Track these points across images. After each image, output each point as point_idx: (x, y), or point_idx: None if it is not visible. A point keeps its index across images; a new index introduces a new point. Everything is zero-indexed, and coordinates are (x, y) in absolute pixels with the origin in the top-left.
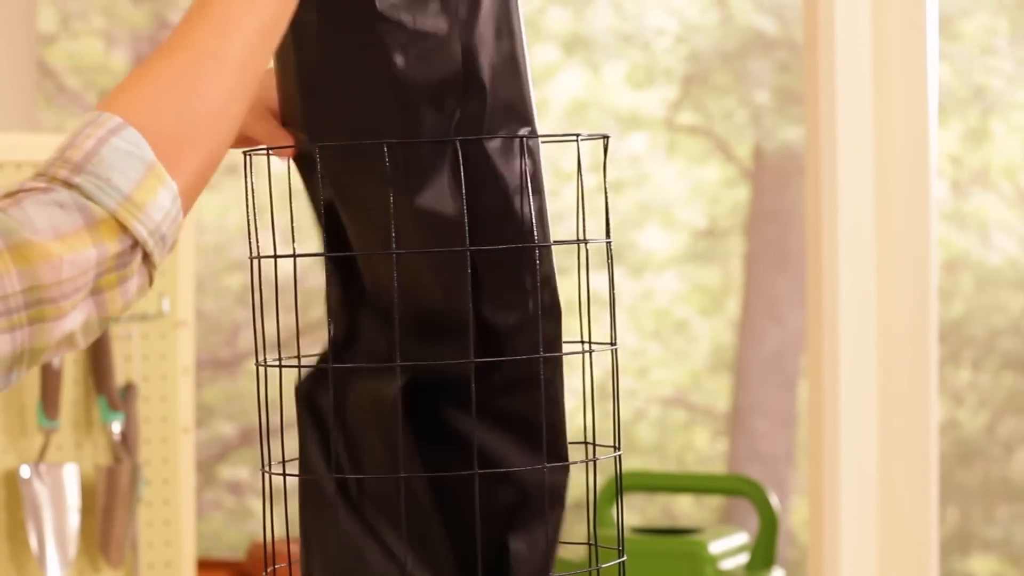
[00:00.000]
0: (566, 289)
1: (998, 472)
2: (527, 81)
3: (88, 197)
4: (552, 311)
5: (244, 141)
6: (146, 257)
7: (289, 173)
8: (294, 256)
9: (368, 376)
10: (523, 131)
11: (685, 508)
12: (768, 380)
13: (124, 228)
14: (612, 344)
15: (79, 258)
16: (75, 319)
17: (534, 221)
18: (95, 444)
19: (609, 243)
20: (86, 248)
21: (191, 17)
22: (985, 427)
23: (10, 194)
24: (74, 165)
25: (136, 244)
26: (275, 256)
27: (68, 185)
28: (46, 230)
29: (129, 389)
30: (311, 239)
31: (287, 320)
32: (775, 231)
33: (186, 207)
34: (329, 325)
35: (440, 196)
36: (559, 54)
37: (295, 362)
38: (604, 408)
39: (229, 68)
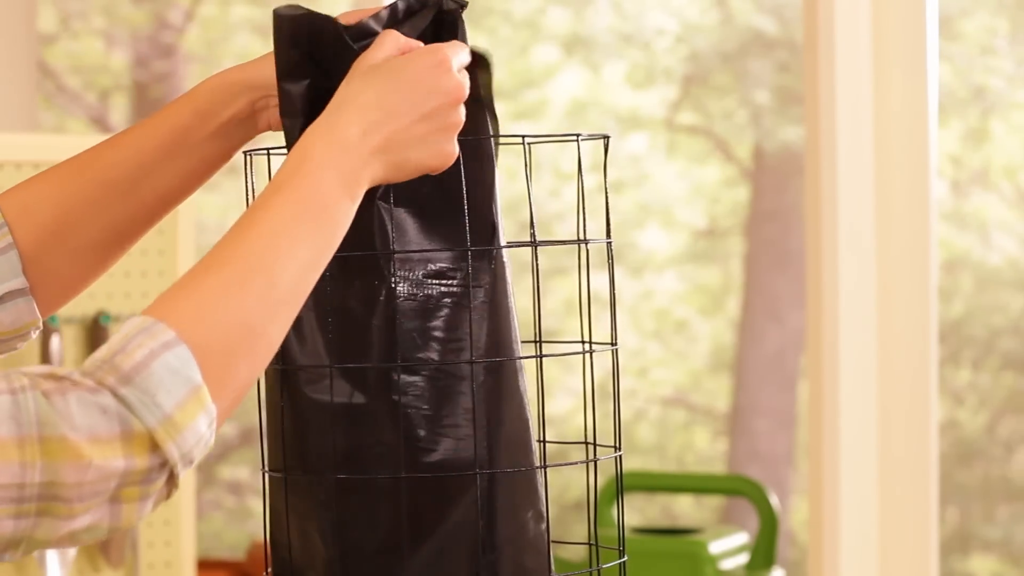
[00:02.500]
0: (566, 289)
1: (998, 472)
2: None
3: (131, 409)
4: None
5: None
6: (171, 477)
7: None
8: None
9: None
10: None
11: (685, 508)
12: (768, 380)
13: (158, 447)
14: (613, 344)
15: (107, 465)
16: (83, 521)
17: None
18: None
19: (609, 243)
20: (116, 457)
21: (242, 229)
22: (985, 427)
23: (57, 378)
24: (123, 375)
25: (166, 463)
26: None
27: (115, 394)
28: (82, 430)
29: None
30: None
31: None
32: (775, 231)
33: (220, 423)
34: (328, 324)
35: None
36: (559, 54)
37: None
38: (604, 408)
39: (277, 289)
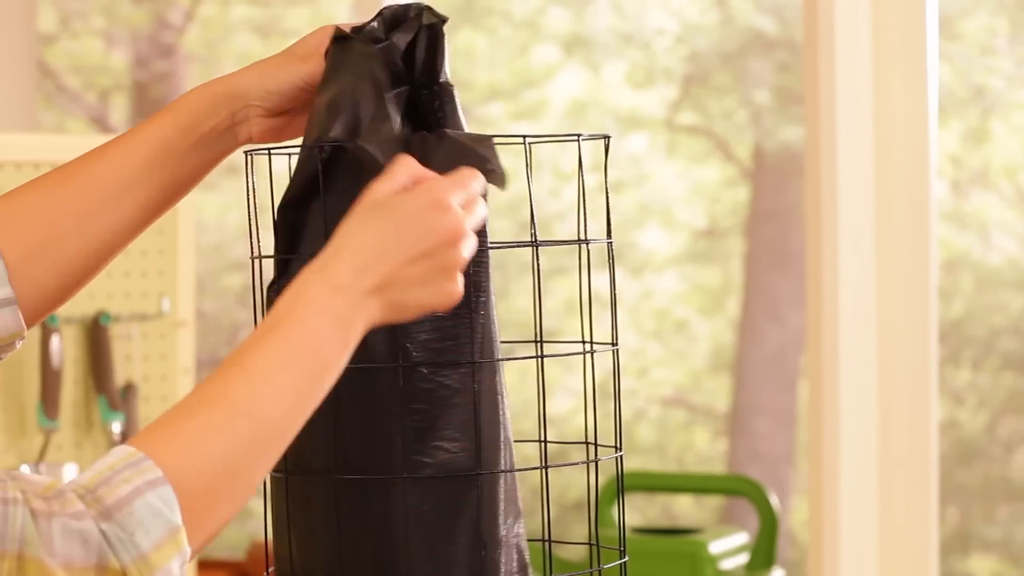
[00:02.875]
0: (567, 289)
1: (998, 472)
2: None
3: (109, 544)
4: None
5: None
6: None
7: (290, 173)
8: (294, 257)
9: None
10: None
11: (685, 508)
12: (768, 380)
13: None
14: (613, 344)
15: None
16: None
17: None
18: (95, 444)
19: (610, 243)
20: None
21: (234, 367)
22: (985, 427)
23: (46, 498)
24: (105, 509)
25: None
26: (276, 256)
27: (96, 525)
28: (60, 556)
29: (129, 389)
30: None
31: None
32: (775, 231)
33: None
34: None
35: None
36: (559, 54)
37: None
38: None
39: (262, 434)
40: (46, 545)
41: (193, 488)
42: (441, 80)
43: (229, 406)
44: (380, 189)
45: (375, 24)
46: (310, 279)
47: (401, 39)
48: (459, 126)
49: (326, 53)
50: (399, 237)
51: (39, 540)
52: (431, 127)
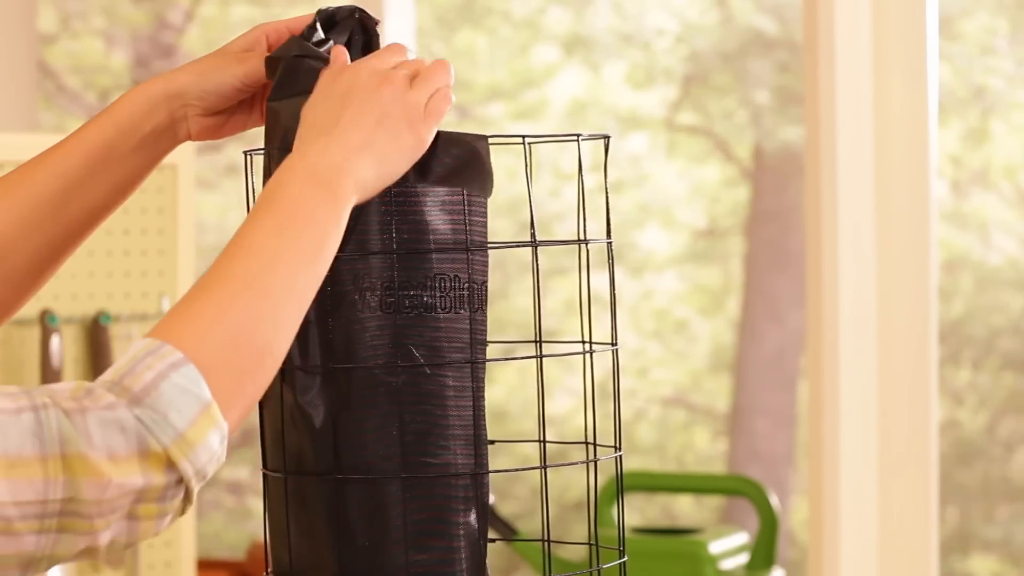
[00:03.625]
0: (567, 289)
1: (998, 472)
2: None
3: (147, 429)
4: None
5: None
6: (186, 493)
7: None
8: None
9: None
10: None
11: (685, 508)
12: (768, 380)
13: (173, 464)
14: (613, 344)
15: (125, 482)
16: (103, 537)
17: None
18: None
19: (610, 243)
20: (134, 474)
21: (228, 251)
22: (985, 427)
23: (76, 397)
24: (133, 396)
25: (181, 480)
26: None
27: (130, 412)
28: (101, 448)
29: None
30: None
31: None
32: (775, 231)
33: (232, 436)
34: (328, 324)
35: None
36: (559, 54)
37: None
38: (604, 408)
39: (273, 301)
40: (86, 440)
41: (215, 363)
42: None
43: (234, 282)
44: (322, 78)
45: (318, 29)
46: (285, 164)
47: (339, 40)
48: None
49: (270, 62)
50: (346, 101)
51: (78, 436)
52: None
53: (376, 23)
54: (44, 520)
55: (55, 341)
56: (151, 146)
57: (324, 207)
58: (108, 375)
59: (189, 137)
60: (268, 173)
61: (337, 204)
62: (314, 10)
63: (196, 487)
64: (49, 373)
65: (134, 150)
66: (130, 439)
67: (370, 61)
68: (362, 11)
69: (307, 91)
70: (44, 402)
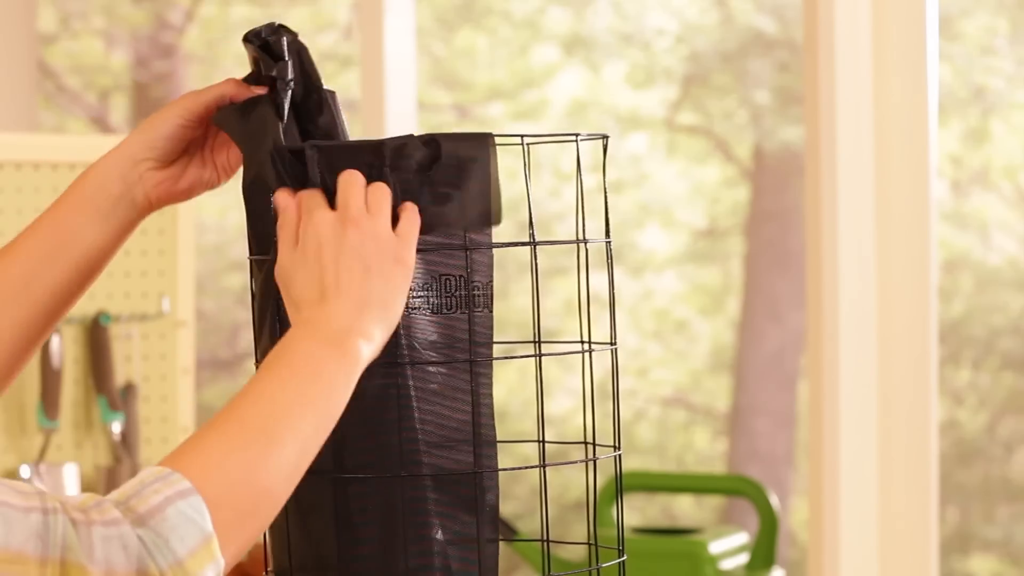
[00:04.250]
0: (566, 289)
1: (998, 472)
2: None
3: (147, 551)
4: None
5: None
6: None
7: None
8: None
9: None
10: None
11: (685, 508)
12: (768, 380)
13: None
14: (612, 344)
15: None
16: None
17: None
18: (95, 444)
19: (609, 243)
20: None
21: (249, 393)
22: (985, 427)
23: (85, 507)
24: (138, 517)
25: None
26: (275, 257)
27: (133, 532)
28: (101, 562)
29: (129, 389)
30: None
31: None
32: (775, 231)
33: (239, 551)
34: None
35: None
36: (559, 54)
37: None
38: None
39: (280, 449)
40: (87, 551)
41: (220, 498)
42: (323, 88)
43: (245, 425)
44: (281, 234)
45: (267, 57)
46: (294, 330)
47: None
48: (346, 131)
49: (220, 113)
50: (323, 262)
51: (80, 546)
52: (320, 134)
53: (296, 35)
54: None
55: (55, 341)
56: (109, 218)
57: (334, 364)
58: (116, 494)
59: (149, 201)
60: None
61: (347, 363)
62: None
63: None
64: (49, 373)
65: (92, 224)
66: (131, 558)
67: (318, 211)
68: (282, 26)
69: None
70: (55, 507)
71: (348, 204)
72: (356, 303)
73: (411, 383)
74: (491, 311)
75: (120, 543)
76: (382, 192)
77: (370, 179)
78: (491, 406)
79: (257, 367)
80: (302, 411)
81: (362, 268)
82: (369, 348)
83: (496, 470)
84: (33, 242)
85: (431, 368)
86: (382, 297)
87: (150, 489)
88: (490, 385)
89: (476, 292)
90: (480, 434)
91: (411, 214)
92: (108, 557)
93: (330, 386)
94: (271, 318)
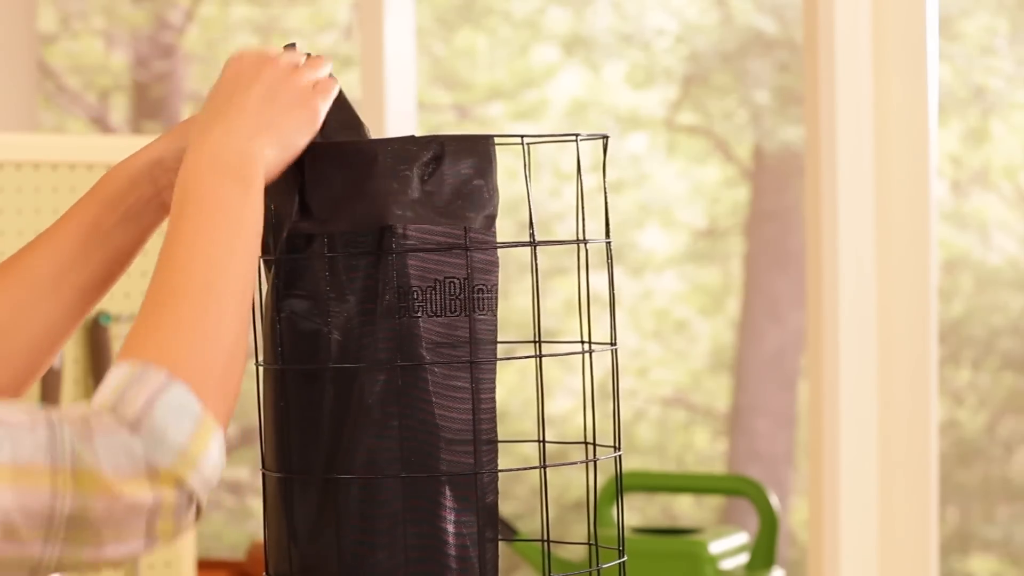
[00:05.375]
0: (566, 289)
1: (998, 472)
2: None
3: (150, 452)
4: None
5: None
6: (198, 507)
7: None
8: (294, 257)
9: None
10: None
11: (685, 508)
12: (768, 380)
13: (182, 481)
14: (612, 344)
15: (135, 501)
16: (114, 550)
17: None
18: None
19: (609, 243)
20: (144, 494)
21: (164, 262)
22: (985, 427)
23: (84, 417)
24: (130, 423)
25: (192, 496)
26: (275, 257)
27: (131, 438)
28: (110, 467)
29: None
30: None
31: None
32: (775, 231)
33: (225, 412)
34: (328, 324)
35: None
36: (559, 54)
37: None
38: (604, 408)
39: (224, 298)
40: (95, 459)
41: (198, 374)
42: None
43: (185, 291)
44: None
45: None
46: (190, 155)
47: None
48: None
49: None
50: (235, 85)
51: (87, 455)
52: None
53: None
54: (50, 530)
55: None
56: (138, 218)
57: (238, 197)
58: (101, 401)
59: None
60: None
61: (249, 191)
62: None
63: (205, 498)
64: (49, 373)
65: (123, 224)
66: (137, 462)
67: (256, 49)
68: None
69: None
70: (59, 419)
71: (280, 55)
72: (252, 126)
73: (411, 384)
74: (495, 314)
75: (123, 450)
76: (316, 60)
77: None
78: (493, 408)
79: (257, 367)
80: (224, 253)
81: (263, 95)
82: (266, 171)
83: (496, 471)
84: (65, 239)
85: (437, 369)
86: (279, 125)
87: (132, 392)
88: (490, 388)
89: (480, 295)
90: (486, 437)
91: (330, 79)
92: (115, 463)
93: (238, 218)
94: (272, 317)
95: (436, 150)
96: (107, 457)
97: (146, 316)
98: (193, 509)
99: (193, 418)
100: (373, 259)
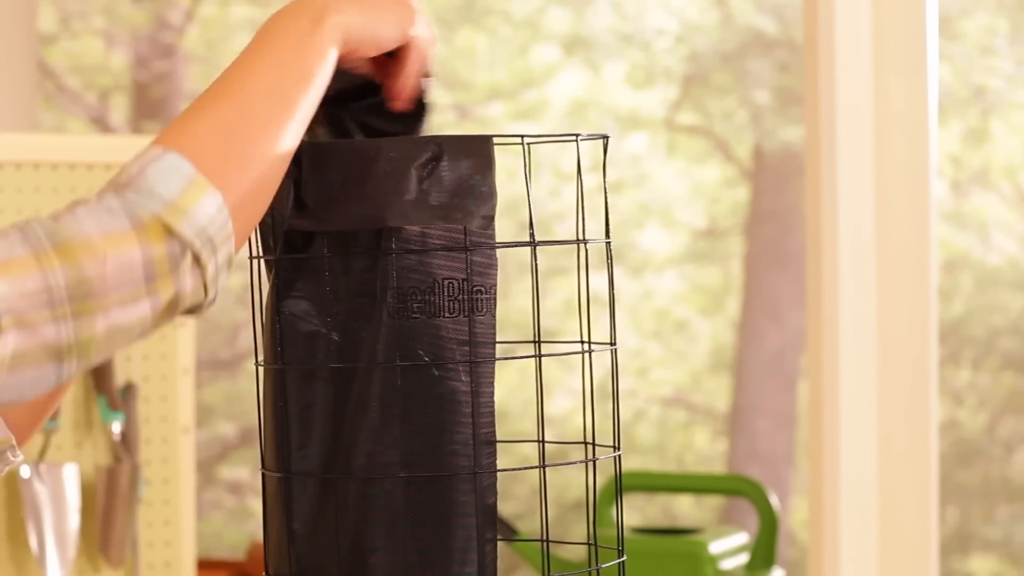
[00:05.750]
0: (566, 289)
1: (998, 472)
2: None
3: (135, 205)
4: None
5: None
6: (197, 261)
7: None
8: (294, 257)
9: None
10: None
11: (685, 508)
12: (768, 380)
13: (170, 229)
14: (612, 344)
15: (124, 257)
16: (122, 316)
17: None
18: (95, 444)
19: (608, 243)
20: (131, 247)
21: (237, 60)
22: (985, 427)
23: (66, 208)
24: (119, 186)
25: (185, 245)
26: (276, 257)
27: (117, 198)
28: (93, 229)
29: (129, 389)
30: None
31: None
32: (775, 231)
33: (239, 226)
34: (326, 325)
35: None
36: (559, 54)
37: None
38: (604, 408)
39: (252, 105)
40: (76, 228)
41: (203, 149)
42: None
43: (221, 94)
44: None
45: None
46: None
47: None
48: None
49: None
50: None
51: (66, 228)
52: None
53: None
54: (55, 308)
55: None
56: None
57: (306, 32)
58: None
59: None
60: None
61: (318, 30)
62: None
63: (203, 251)
64: None
65: None
66: (120, 217)
67: None
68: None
69: None
70: (28, 221)
71: None
72: (352, 13)
73: (411, 386)
74: (494, 315)
75: (106, 210)
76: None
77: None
78: (492, 409)
79: (257, 367)
80: (276, 74)
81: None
82: (344, 32)
83: (496, 471)
84: None
85: (436, 371)
86: (373, 6)
87: (128, 165)
88: (492, 388)
89: (479, 295)
90: (486, 438)
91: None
92: (99, 223)
93: (304, 56)
94: (272, 317)
95: (434, 150)
96: (89, 222)
97: (179, 117)
98: (189, 261)
99: (185, 177)
100: (371, 259)
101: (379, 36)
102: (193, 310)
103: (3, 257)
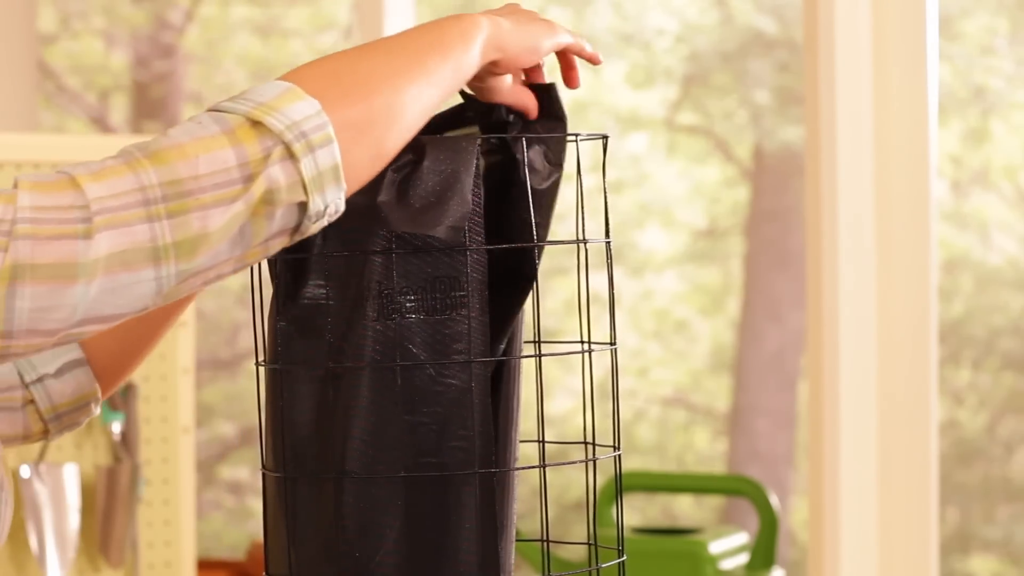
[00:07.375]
0: (566, 289)
1: (998, 472)
2: None
3: (225, 112)
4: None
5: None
6: (290, 153)
7: None
8: (294, 256)
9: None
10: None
11: (685, 508)
12: (768, 380)
13: (259, 124)
14: (612, 344)
15: (215, 157)
16: (218, 216)
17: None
18: (95, 444)
19: (608, 243)
20: (223, 148)
21: (388, 41)
22: (985, 427)
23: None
24: (219, 107)
25: (276, 139)
26: (275, 257)
27: (210, 114)
28: (184, 136)
29: (129, 389)
30: None
31: None
32: (775, 231)
33: (344, 146)
34: (325, 325)
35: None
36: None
37: None
38: (604, 408)
39: (386, 62)
40: (168, 139)
41: (308, 75)
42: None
43: (363, 58)
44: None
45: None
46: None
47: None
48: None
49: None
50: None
51: (158, 140)
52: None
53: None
54: (149, 207)
55: None
56: None
57: (451, 26)
58: None
59: None
60: None
61: (461, 24)
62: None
63: (297, 145)
64: None
65: None
66: (211, 126)
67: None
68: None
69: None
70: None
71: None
72: (496, 14)
73: (409, 385)
74: (487, 314)
75: (195, 123)
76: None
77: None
78: (489, 408)
79: (257, 367)
80: (410, 53)
81: (509, 9)
82: (495, 33)
83: (495, 471)
84: None
85: (432, 370)
86: (519, 21)
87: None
88: (487, 390)
89: (473, 295)
90: (488, 437)
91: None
92: (190, 132)
93: (445, 47)
94: (272, 316)
95: (416, 151)
96: (179, 133)
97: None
98: (280, 152)
99: (282, 87)
100: (366, 260)
101: (530, 40)
102: (299, 226)
103: (95, 167)
